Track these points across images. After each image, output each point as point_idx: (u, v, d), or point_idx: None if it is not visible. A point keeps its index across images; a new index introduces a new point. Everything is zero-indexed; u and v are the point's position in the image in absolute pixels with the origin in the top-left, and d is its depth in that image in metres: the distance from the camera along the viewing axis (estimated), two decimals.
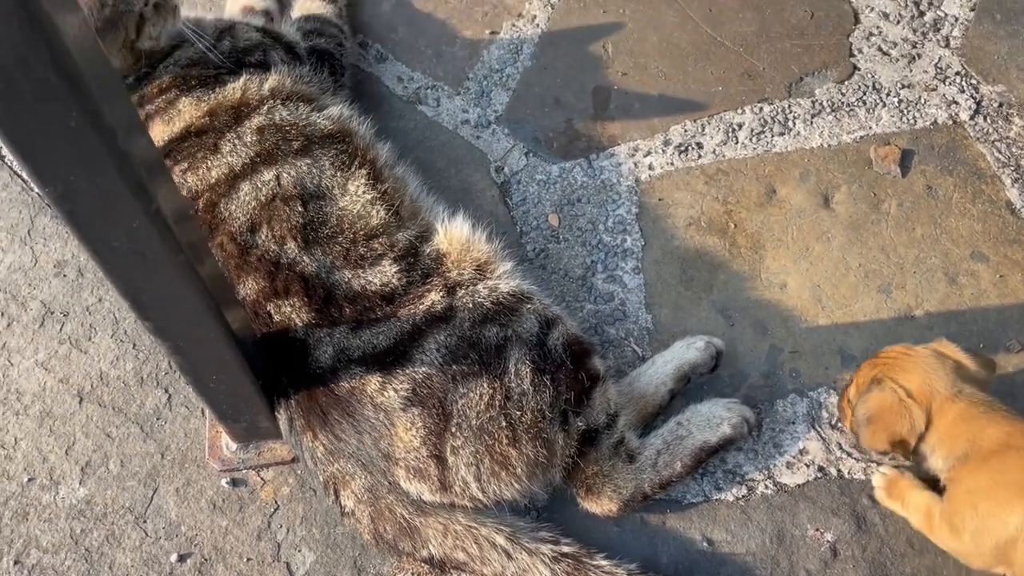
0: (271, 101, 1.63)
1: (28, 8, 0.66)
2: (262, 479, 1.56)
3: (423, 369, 1.37)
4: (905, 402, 1.40)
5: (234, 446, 1.55)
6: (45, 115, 0.74)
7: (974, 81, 2.06)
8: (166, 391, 1.64)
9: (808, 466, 1.57)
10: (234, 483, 1.55)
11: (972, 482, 1.33)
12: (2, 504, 1.53)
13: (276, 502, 1.54)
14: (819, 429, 1.61)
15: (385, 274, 1.47)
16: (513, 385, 1.38)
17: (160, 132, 1.58)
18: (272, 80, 1.67)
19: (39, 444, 1.59)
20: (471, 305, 1.44)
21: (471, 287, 1.46)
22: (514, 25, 2.14)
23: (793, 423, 1.62)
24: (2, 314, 1.72)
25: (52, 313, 1.72)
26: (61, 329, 1.70)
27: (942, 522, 1.38)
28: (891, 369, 1.45)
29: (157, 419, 1.61)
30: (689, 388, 1.64)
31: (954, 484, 1.36)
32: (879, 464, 1.56)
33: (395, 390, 1.36)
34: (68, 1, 0.72)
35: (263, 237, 1.47)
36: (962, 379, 1.42)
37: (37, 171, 0.80)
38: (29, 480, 1.56)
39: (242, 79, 1.64)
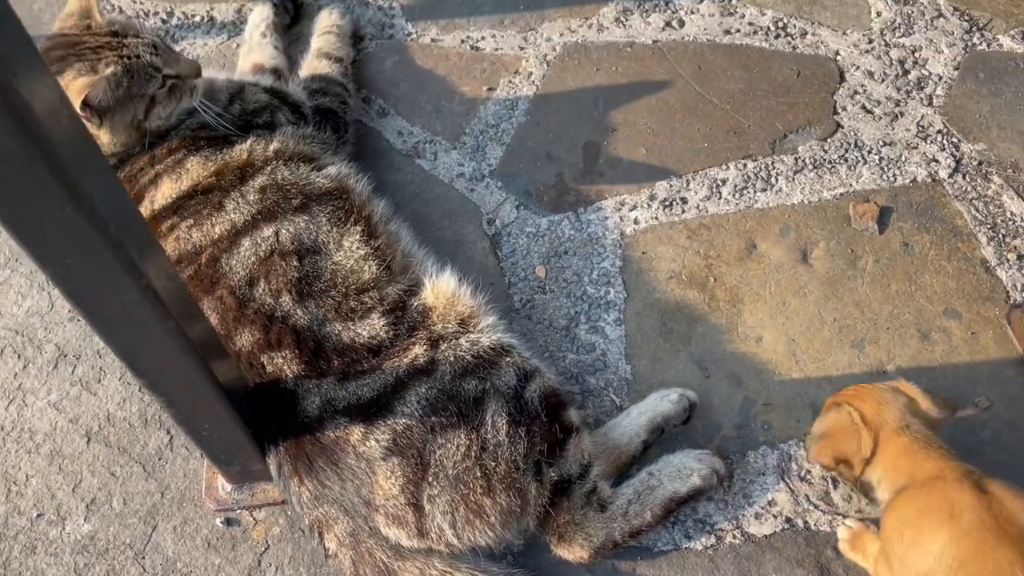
0: (275, 162, 1.73)
1: (25, 124, 0.76)
2: (254, 519, 1.65)
3: (403, 420, 1.45)
4: (857, 425, 1.47)
5: (229, 487, 1.64)
6: (43, 211, 0.84)
7: (955, 139, 2.12)
8: (168, 432, 1.74)
9: (776, 517, 1.63)
10: (228, 522, 1.64)
11: (902, 511, 1.39)
12: (12, 538, 1.63)
13: (267, 542, 1.62)
14: (788, 481, 1.67)
15: (373, 327, 1.55)
16: (489, 436, 1.46)
17: (168, 189, 1.69)
18: (276, 142, 1.77)
19: (48, 481, 1.69)
20: (452, 359, 1.52)
21: (454, 341, 1.55)
22: (511, 82, 2.24)
23: (763, 474, 1.68)
24: (19, 356, 1.83)
25: (65, 356, 1.83)
26: (73, 371, 1.81)
27: (880, 556, 1.44)
28: (851, 397, 1.53)
29: (159, 459, 1.71)
30: (664, 438, 1.70)
31: (887, 513, 1.42)
32: (845, 516, 1.62)
33: (376, 440, 1.45)
34: (68, 118, 0.82)
35: (260, 291, 1.57)
36: (913, 415, 1.48)
37: (36, 255, 0.90)
38: (38, 516, 1.66)
39: (249, 141, 1.74)
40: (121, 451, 1.72)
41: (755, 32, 2.32)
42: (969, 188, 2.04)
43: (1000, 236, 1.97)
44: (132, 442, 1.73)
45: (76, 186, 0.83)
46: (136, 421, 1.75)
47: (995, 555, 1.25)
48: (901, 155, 2.09)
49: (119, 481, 1.69)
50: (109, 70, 1.62)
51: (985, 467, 1.43)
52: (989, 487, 1.34)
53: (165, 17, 2.37)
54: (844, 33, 2.32)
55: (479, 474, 1.45)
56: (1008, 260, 1.93)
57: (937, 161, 2.08)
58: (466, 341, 1.55)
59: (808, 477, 1.68)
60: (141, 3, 2.40)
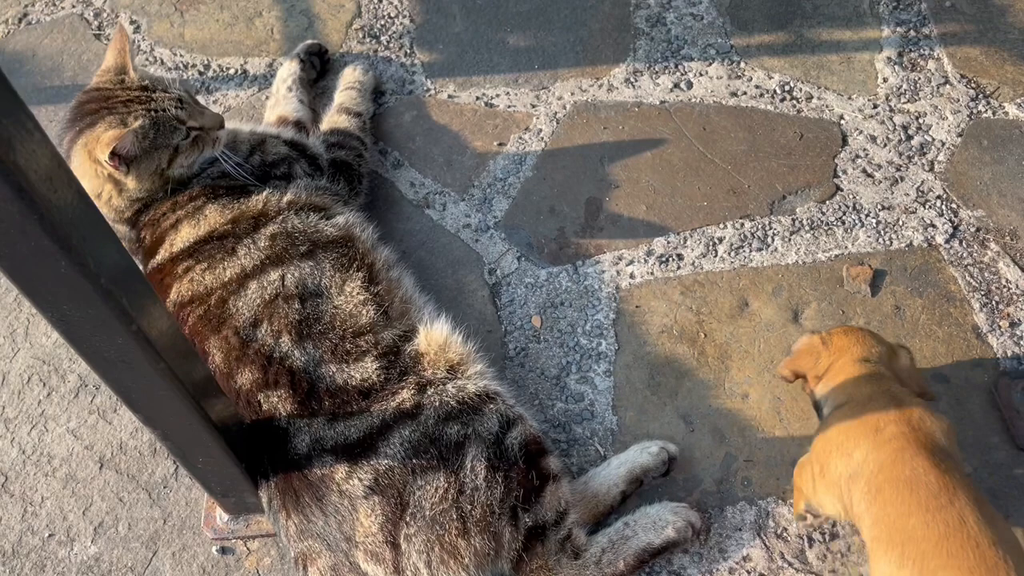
0: (287, 211, 1.84)
1: (22, 191, 0.87)
2: (248, 549, 1.73)
3: (386, 462, 1.53)
4: (819, 349, 1.65)
5: (226, 517, 1.73)
6: (39, 264, 0.95)
7: (954, 205, 2.15)
8: (174, 463, 1.84)
9: (749, 573, 1.67)
10: (223, 551, 1.73)
11: (833, 423, 1.54)
12: (25, 556, 1.74)
13: (258, 572, 1.71)
14: (764, 537, 1.70)
15: (366, 370, 1.64)
16: (467, 480, 1.53)
17: (187, 234, 1.81)
18: (290, 194, 1.88)
19: (62, 504, 1.80)
20: (438, 403, 1.60)
21: (441, 386, 1.63)
22: (520, 138, 2.34)
23: (740, 530, 1.72)
24: (44, 384, 1.96)
25: (86, 386, 1.96)
26: (92, 400, 1.93)
27: (804, 470, 1.60)
28: (836, 328, 1.70)
29: (164, 488, 1.81)
30: (645, 489, 1.75)
31: (825, 423, 1.58)
32: None
33: (359, 479, 1.53)
34: (63, 182, 0.93)
35: (263, 332, 1.67)
36: (880, 359, 1.61)
37: (36, 301, 1.01)
38: (50, 535, 1.77)
39: (265, 192, 1.86)
40: (130, 478, 1.83)
41: (761, 95, 2.39)
42: (965, 254, 2.07)
43: (993, 303, 1.99)
44: (141, 470, 1.84)
45: (68, 243, 0.94)
46: (146, 450, 1.86)
47: (912, 462, 1.39)
48: (899, 219, 2.13)
49: (126, 506, 1.79)
50: (137, 123, 1.75)
51: None
52: (912, 407, 1.49)
53: (202, 69, 2.53)
54: (850, 98, 2.37)
55: (455, 516, 1.51)
56: (1000, 327, 1.95)
57: (934, 226, 2.12)
58: (453, 387, 1.63)
59: (784, 535, 1.71)
60: (181, 56, 2.56)
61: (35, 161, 0.88)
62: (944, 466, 1.38)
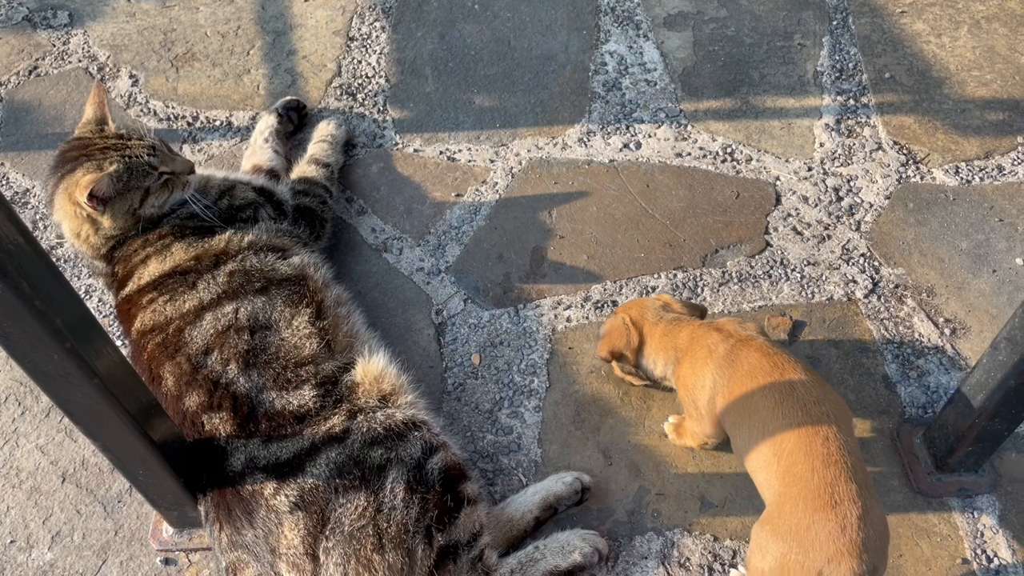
0: (247, 251, 2.02)
1: None
2: (189, 561, 1.87)
3: (311, 480, 1.68)
4: (627, 324, 1.91)
5: (171, 530, 1.87)
6: None
7: (876, 263, 2.29)
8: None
9: None
10: (166, 562, 1.87)
11: (682, 371, 1.83)
12: None
13: None
14: (668, 566, 1.82)
15: (303, 397, 1.80)
16: (386, 500, 1.67)
17: (154, 269, 1.99)
18: (252, 235, 2.06)
19: (25, 513, 1.96)
20: (365, 429, 1.75)
21: (371, 414, 1.77)
22: (477, 190, 2.52)
23: (646, 558, 1.83)
24: (19, 404, 2.13)
25: (57, 407, 2.12)
26: (61, 420, 2.10)
27: (687, 418, 1.89)
28: (623, 308, 1.97)
29: (119, 502, 1.96)
30: (561, 517, 1.88)
31: (677, 381, 1.86)
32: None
33: (286, 496, 1.67)
34: (3, 218, 1.11)
35: (212, 359, 1.83)
36: (667, 311, 1.92)
37: None
38: (11, 542, 1.92)
39: (228, 233, 2.04)
40: (88, 492, 1.98)
41: (704, 156, 2.56)
42: (882, 308, 2.20)
43: (905, 355, 2.11)
44: (99, 485, 1.99)
45: (4, 269, 1.11)
46: (105, 467, 2.01)
47: (746, 359, 1.71)
48: (822, 274, 2.27)
49: (82, 518, 1.94)
50: (113, 167, 1.95)
51: None
52: (721, 322, 1.83)
53: (191, 120, 2.74)
54: (787, 161, 2.54)
55: (372, 532, 1.65)
56: (910, 377, 2.07)
57: (855, 282, 2.26)
58: (382, 415, 1.77)
59: (687, 564, 1.82)
60: (173, 108, 2.78)
61: None
62: (771, 351, 1.71)
